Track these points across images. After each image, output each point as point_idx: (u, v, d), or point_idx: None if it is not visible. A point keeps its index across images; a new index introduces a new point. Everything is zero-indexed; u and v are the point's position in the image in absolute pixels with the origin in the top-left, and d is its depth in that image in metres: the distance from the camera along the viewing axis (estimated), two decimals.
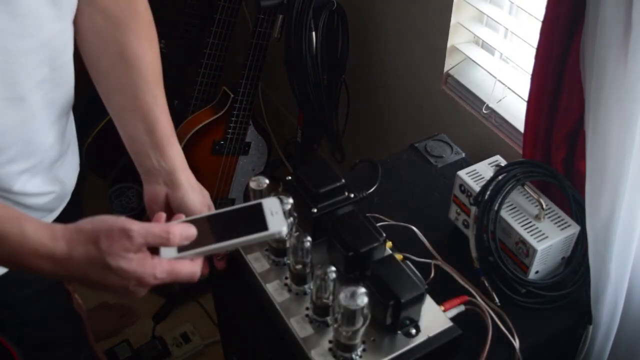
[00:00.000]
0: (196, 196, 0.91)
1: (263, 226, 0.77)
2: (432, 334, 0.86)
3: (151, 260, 0.73)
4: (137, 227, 0.71)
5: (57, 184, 0.97)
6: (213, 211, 0.81)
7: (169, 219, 0.93)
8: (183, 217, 0.81)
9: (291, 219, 0.91)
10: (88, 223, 0.73)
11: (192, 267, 0.76)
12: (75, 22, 0.90)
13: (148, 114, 0.90)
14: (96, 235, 0.71)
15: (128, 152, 0.93)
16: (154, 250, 0.74)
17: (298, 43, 1.57)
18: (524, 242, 1.00)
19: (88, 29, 0.91)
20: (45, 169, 0.93)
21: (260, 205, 0.80)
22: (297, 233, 0.90)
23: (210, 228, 0.79)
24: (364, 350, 0.84)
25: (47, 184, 0.94)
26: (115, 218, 0.72)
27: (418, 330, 0.86)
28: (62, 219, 1.02)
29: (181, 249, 0.75)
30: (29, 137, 0.86)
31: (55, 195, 0.97)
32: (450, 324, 0.88)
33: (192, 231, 0.75)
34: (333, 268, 0.82)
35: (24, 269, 0.73)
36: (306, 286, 0.91)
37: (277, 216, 0.78)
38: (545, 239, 0.99)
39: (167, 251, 0.74)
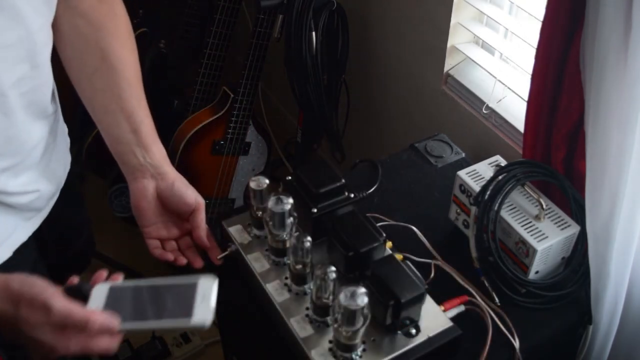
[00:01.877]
0: (188, 186, 0.93)
1: (188, 312, 0.73)
2: (432, 334, 0.86)
3: (67, 333, 0.71)
4: (59, 304, 0.70)
5: (41, 183, 0.97)
6: (149, 280, 0.78)
7: (169, 219, 0.94)
8: (120, 278, 0.79)
9: (291, 219, 0.91)
10: (17, 281, 0.72)
11: (109, 344, 0.74)
12: (57, 28, 0.92)
13: (132, 114, 0.92)
14: (18, 299, 0.70)
15: (112, 153, 0.94)
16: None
17: (298, 43, 1.57)
18: (524, 242, 1.00)
19: (70, 34, 0.93)
20: (28, 169, 0.93)
21: (194, 286, 0.75)
22: (297, 233, 0.90)
23: (138, 301, 0.76)
24: (364, 350, 0.84)
25: (29, 184, 0.94)
26: (45, 287, 0.71)
27: (418, 330, 0.86)
28: (54, 218, 1.03)
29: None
30: (8, 135, 0.86)
31: (39, 195, 0.97)
32: (450, 324, 0.88)
33: (113, 325, 0.73)
34: (333, 268, 0.82)
35: None
36: (306, 286, 0.91)
37: (205, 303, 0.74)
38: (545, 239, 0.99)
39: (96, 296, 0.75)
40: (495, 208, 1.02)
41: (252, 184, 0.95)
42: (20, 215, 0.95)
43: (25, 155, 0.91)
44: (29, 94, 0.87)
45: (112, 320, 0.72)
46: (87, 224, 1.29)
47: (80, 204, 1.25)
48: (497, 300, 1.02)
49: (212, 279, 0.76)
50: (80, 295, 0.75)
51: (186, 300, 0.74)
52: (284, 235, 0.92)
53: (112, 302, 0.75)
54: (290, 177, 1.00)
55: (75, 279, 0.77)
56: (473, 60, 1.40)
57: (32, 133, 0.91)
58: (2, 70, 0.81)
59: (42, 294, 0.70)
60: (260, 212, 0.96)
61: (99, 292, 0.76)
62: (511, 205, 1.05)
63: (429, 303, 0.90)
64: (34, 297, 0.70)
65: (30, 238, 0.98)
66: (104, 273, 0.79)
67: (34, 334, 0.71)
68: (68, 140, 1.12)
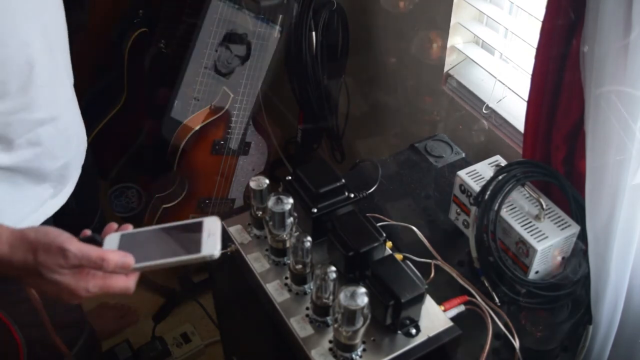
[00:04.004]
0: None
1: (197, 248, 0.78)
2: (432, 334, 0.86)
3: (85, 276, 0.75)
4: (74, 247, 0.73)
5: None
6: (156, 226, 0.82)
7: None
8: (130, 227, 0.82)
9: (291, 219, 0.91)
10: (32, 232, 0.75)
11: (125, 283, 0.78)
12: None
13: None
14: (35, 246, 0.74)
15: None
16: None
17: (298, 43, 1.57)
18: (524, 242, 1.00)
19: None
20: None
21: (200, 225, 0.81)
22: (297, 233, 0.90)
23: (150, 242, 0.80)
24: (364, 350, 0.84)
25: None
26: (59, 233, 0.75)
27: (418, 330, 0.86)
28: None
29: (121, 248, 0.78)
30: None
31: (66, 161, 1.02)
32: (450, 324, 0.88)
33: (128, 261, 0.76)
34: (333, 268, 0.82)
35: None
36: (306, 286, 0.91)
37: (212, 238, 0.79)
38: (545, 239, 0.99)
39: (109, 244, 0.79)
40: (495, 208, 1.02)
41: (252, 184, 0.95)
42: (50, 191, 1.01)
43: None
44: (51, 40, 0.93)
45: (127, 259, 0.76)
46: (96, 217, 1.32)
47: (87, 193, 1.28)
48: (497, 300, 1.02)
49: (216, 218, 0.81)
50: (95, 244, 0.78)
51: (194, 237, 0.79)
52: (284, 235, 0.92)
53: (126, 247, 0.79)
54: (290, 177, 1.00)
55: (87, 231, 0.80)
56: (473, 60, 1.40)
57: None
58: (21, 18, 0.84)
59: (57, 239, 0.74)
60: (260, 212, 0.96)
61: (112, 240, 0.79)
62: (511, 205, 1.05)
63: (429, 303, 0.90)
64: (49, 243, 0.73)
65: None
66: (114, 225, 0.82)
67: (54, 278, 0.74)
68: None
